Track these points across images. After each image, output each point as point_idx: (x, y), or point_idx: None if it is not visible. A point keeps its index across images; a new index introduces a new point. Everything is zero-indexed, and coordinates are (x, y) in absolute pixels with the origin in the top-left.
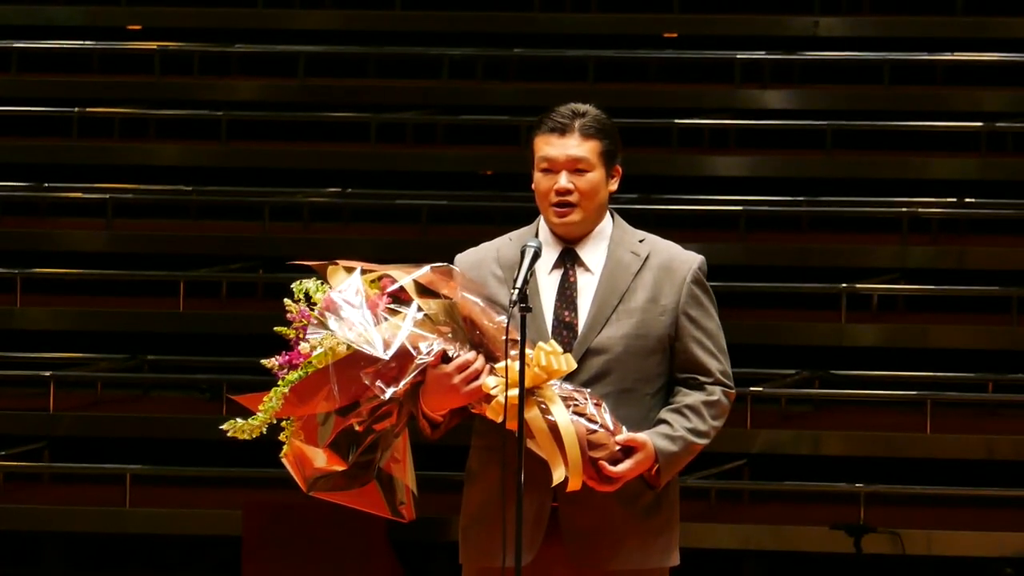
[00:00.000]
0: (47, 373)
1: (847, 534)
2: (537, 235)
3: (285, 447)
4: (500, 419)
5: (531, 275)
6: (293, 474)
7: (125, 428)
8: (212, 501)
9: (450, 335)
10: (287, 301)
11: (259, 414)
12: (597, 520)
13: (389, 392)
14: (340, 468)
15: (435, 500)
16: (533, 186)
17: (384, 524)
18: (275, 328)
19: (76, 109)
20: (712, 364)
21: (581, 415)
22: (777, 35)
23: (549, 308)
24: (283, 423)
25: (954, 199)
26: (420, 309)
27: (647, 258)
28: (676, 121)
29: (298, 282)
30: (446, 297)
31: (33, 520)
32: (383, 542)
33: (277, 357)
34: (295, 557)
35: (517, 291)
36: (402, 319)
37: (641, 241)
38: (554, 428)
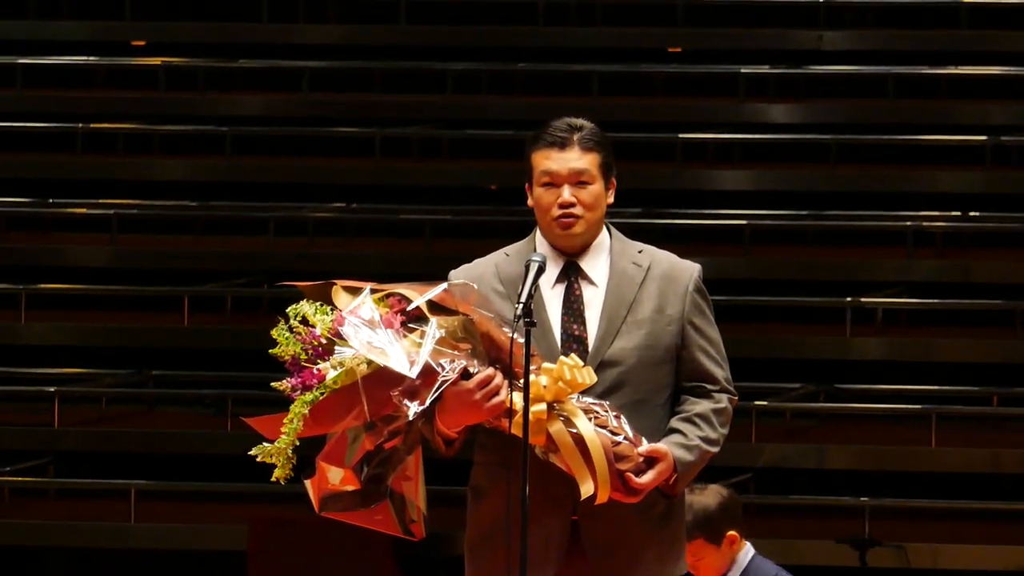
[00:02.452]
0: (52, 388)
1: (852, 548)
2: (535, 250)
3: (277, 470)
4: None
5: (535, 289)
6: (312, 497)
7: (130, 443)
8: (217, 516)
9: (469, 351)
10: (296, 324)
11: (283, 436)
12: (617, 532)
13: (414, 409)
14: (354, 488)
15: (439, 515)
16: (531, 202)
17: (389, 539)
18: (270, 351)
19: (80, 124)
20: (718, 372)
21: (603, 427)
22: (781, 49)
23: (556, 322)
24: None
25: (959, 212)
26: (440, 326)
27: (649, 268)
28: (680, 135)
29: (293, 306)
30: (462, 313)
31: (38, 535)
32: (388, 557)
33: (288, 380)
34: (300, 572)
35: (521, 305)
36: (420, 336)
37: (640, 252)
38: (579, 441)
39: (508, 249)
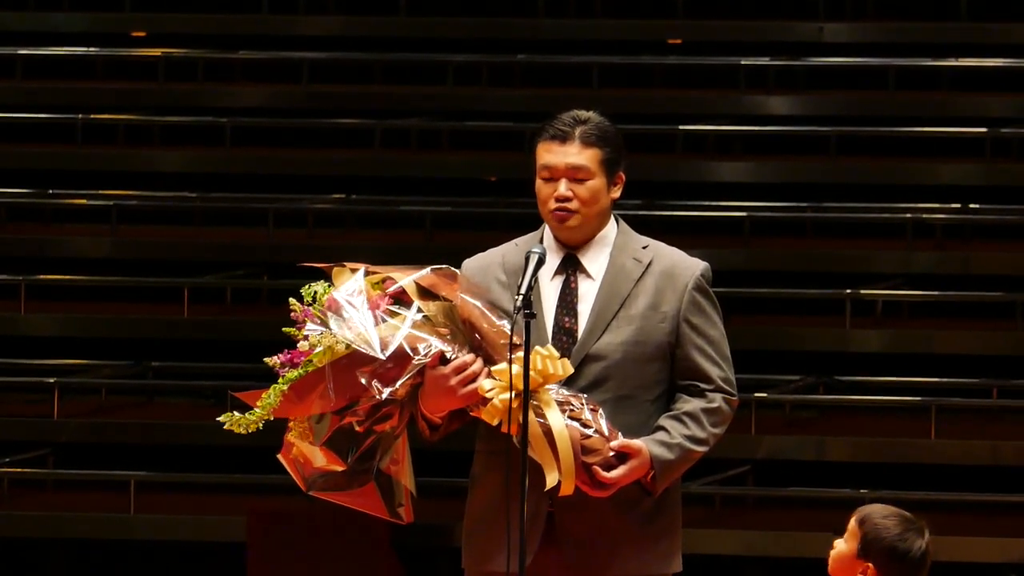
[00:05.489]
0: (51, 379)
1: None
2: (542, 241)
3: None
4: (496, 422)
5: (535, 281)
6: (291, 473)
7: (129, 434)
8: (216, 507)
9: (449, 337)
10: (292, 300)
11: (256, 409)
12: (594, 527)
13: (386, 392)
14: (339, 468)
15: (438, 505)
16: (536, 193)
17: (387, 529)
18: (283, 328)
19: (80, 115)
20: (713, 371)
21: (576, 420)
22: (782, 41)
23: (550, 314)
24: (291, 423)
25: (959, 204)
26: (419, 310)
27: (649, 264)
28: (680, 127)
29: (307, 285)
30: (445, 299)
31: (37, 527)
32: (386, 547)
33: (279, 355)
34: (299, 563)
35: (521, 297)
36: (401, 320)
37: (644, 247)
38: (548, 432)
39: (518, 240)
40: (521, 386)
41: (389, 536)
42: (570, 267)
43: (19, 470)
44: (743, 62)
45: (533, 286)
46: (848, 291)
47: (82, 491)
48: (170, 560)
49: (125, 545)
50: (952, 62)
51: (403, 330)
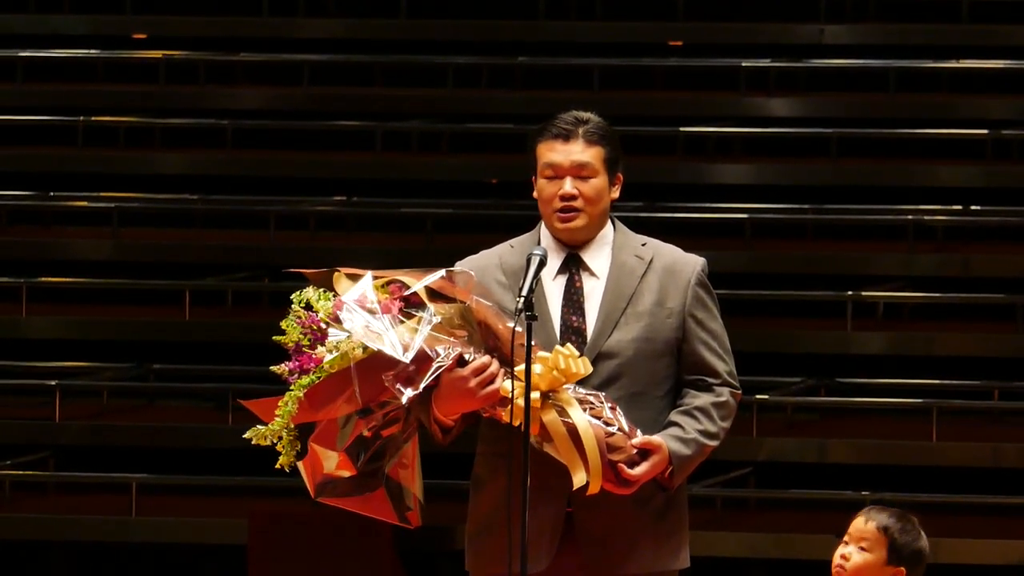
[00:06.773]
0: (52, 382)
1: None
2: (539, 242)
3: (282, 457)
4: (518, 423)
5: (537, 282)
6: (306, 479)
7: (130, 437)
8: (218, 510)
9: (466, 339)
10: (296, 308)
11: (277, 419)
12: (611, 524)
13: (408, 394)
14: (350, 474)
15: (441, 508)
16: (535, 193)
17: (389, 533)
18: (274, 338)
19: (81, 118)
20: (719, 365)
21: (598, 418)
22: (782, 43)
23: (556, 314)
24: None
25: (960, 207)
26: (436, 313)
27: (651, 261)
28: (681, 129)
29: (298, 292)
30: (460, 301)
31: (38, 529)
32: (388, 551)
33: (287, 363)
34: (301, 566)
35: (523, 299)
36: (418, 322)
37: (643, 245)
38: (573, 431)
39: (514, 241)
40: (544, 386)
41: (391, 539)
42: (573, 266)
43: (20, 473)
44: (744, 64)
45: (535, 288)
46: (849, 293)
47: (83, 494)
48: (171, 563)
49: (126, 548)
50: (953, 64)
51: (422, 332)
